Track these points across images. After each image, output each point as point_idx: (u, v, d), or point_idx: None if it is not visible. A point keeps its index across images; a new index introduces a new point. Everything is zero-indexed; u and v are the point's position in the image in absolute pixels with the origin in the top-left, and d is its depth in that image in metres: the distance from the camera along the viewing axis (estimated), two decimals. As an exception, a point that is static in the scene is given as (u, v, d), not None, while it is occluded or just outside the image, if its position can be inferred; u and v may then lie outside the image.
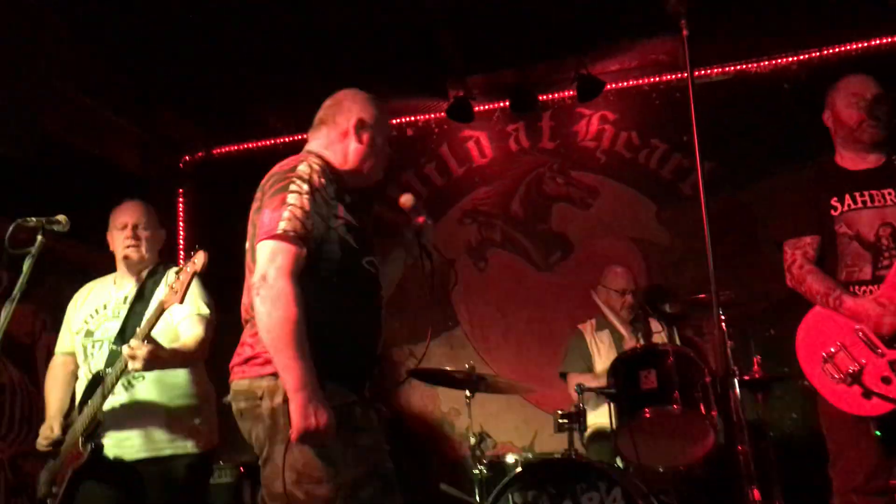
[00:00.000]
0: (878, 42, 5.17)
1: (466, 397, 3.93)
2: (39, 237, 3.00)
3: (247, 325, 2.32)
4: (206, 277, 3.06)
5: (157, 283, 3.27)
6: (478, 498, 3.76)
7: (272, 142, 6.28)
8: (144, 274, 3.36)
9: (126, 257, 3.34)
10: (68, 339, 3.39)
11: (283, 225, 2.15)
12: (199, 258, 2.85)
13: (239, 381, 2.26)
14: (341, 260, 2.28)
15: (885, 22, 5.05)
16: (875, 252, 2.93)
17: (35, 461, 4.62)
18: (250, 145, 6.35)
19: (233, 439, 3.45)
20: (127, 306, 3.26)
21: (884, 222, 2.95)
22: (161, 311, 2.90)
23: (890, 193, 2.97)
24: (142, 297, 3.25)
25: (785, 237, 3.13)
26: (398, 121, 6.02)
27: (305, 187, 2.22)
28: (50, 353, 4.88)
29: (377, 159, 2.56)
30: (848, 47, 5.23)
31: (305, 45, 4.98)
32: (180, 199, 6.36)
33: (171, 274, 3.05)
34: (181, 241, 6.22)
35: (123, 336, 3.11)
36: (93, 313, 3.34)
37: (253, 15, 4.63)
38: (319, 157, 2.41)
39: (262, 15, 4.64)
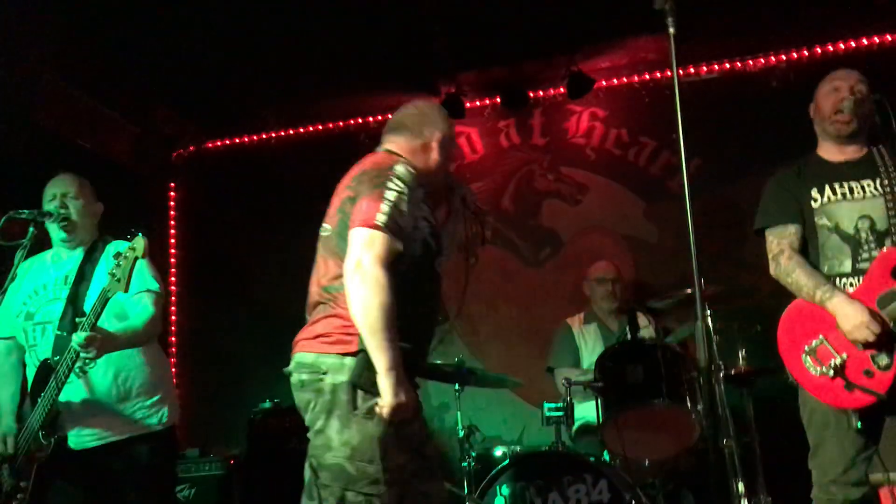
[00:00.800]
0: (865, 42, 5.22)
1: (456, 391, 3.97)
2: (31, 229, 3.03)
3: (318, 306, 2.47)
4: (197, 267, 3.04)
5: (97, 260, 3.16)
6: (466, 490, 3.80)
7: (264, 136, 6.29)
8: (81, 251, 3.24)
9: (58, 230, 3.20)
10: (7, 322, 3.24)
11: (381, 217, 2.29)
12: (138, 243, 2.82)
13: (304, 354, 2.41)
14: (420, 259, 2.45)
15: (873, 22, 5.10)
16: (854, 245, 2.93)
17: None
18: (242, 139, 6.36)
19: (224, 433, 3.48)
20: (68, 287, 3.15)
21: (862, 215, 2.94)
22: (105, 300, 2.83)
23: (869, 185, 2.96)
24: (83, 276, 3.15)
25: (771, 224, 3.11)
26: (389, 116, 6.01)
27: (403, 186, 2.38)
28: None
29: (448, 169, 2.80)
30: (836, 46, 5.27)
31: (297, 41, 4.99)
32: (172, 193, 6.37)
33: (109, 256, 2.95)
34: (172, 235, 6.23)
35: (66, 319, 3.02)
36: (32, 294, 3.21)
37: (245, 10, 4.64)
38: (409, 161, 2.56)
39: (254, 10, 4.65)
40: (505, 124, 5.89)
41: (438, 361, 4.01)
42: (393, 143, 2.68)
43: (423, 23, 4.85)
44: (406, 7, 4.69)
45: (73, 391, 3.06)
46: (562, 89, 5.60)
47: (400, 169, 2.43)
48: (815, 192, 3.02)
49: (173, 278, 6.04)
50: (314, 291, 2.51)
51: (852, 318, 2.77)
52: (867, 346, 2.78)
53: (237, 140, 6.37)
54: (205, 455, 4.88)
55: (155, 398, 3.18)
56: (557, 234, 5.65)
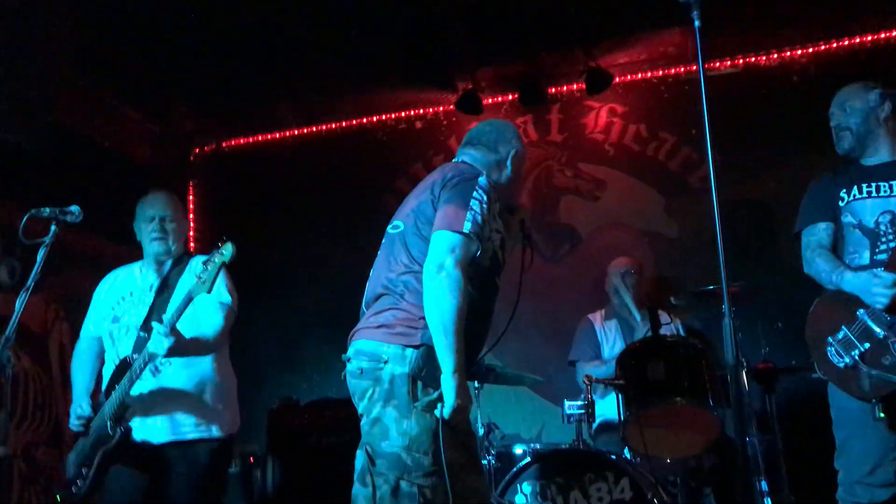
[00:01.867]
0: (886, 35, 5.15)
1: (476, 388, 3.96)
2: (53, 227, 3.04)
3: (382, 298, 2.55)
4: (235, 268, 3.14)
5: (181, 273, 3.36)
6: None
7: (281, 135, 6.32)
8: (169, 263, 3.44)
9: (153, 249, 3.42)
10: (94, 323, 3.46)
11: (468, 225, 2.40)
12: (227, 249, 2.95)
13: (366, 342, 2.48)
14: (488, 268, 2.55)
15: (892, 17, 5.03)
16: (873, 237, 3.02)
17: (48, 450, 4.69)
18: (260, 138, 6.38)
19: (242, 430, 3.50)
20: (153, 294, 3.35)
21: (885, 210, 3.03)
22: (189, 300, 2.98)
23: None
24: (167, 286, 3.35)
25: (804, 226, 3.24)
26: (407, 113, 6.04)
27: (486, 198, 2.49)
28: (62, 343, 4.94)
29: (518, 186, 2.95)
30: (857, 40, 5.21)
31: (314, 39, 5.00)
32: (191, 191, 6.40)
33: (198, 263, 3.10)
34: (192, 233, 6.25)
35: (149, 323, 3.18)
36: (119, 300, 3.42)
37: (263, 8, 4.65)
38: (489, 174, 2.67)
39: (272, 8, 4.66)
40: (523, 120, 5.86)
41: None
42: (469, 155, 2.80)
43: (441, 19, 4.83)
44: (423, 3, 4.68)
45: (146, 387, 3.21)
46: (580, 85, 5.59)
47: (482, 181, 2.53)
48: (843, 193, 3.13)
49: (192, 276, 6.05)
50: (378, 283, 2.58)
51: (870, 284, 2.87)
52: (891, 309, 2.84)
53: (256, 138, 6.39)
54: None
55: (220, 406, 3.33)
56: (576, 230, 5.62)
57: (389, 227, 2.69)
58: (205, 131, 6.33)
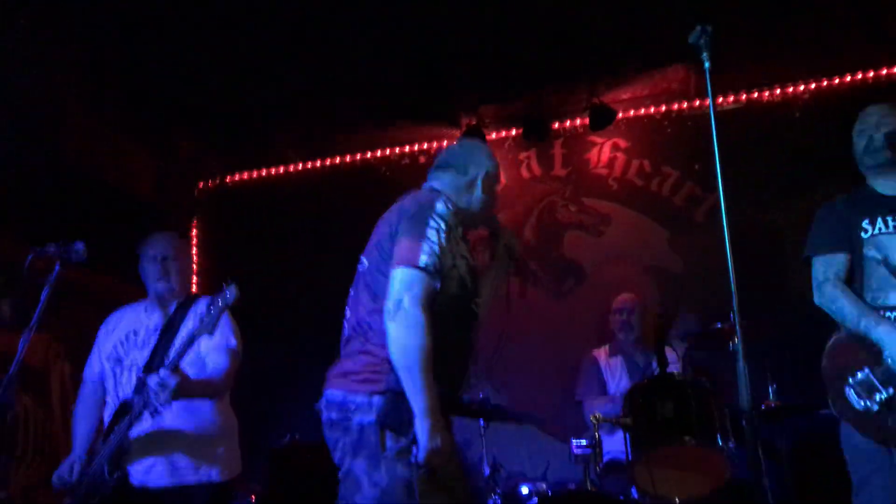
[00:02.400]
0: (886, 71, 5.19)
1: (481, 428, 3.91)
2: (57, 266, 3.03)
3: (350, 341, 2.45)
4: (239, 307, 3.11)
5: (185, 314, 3.33)
6: (493, 529, 3.73)
7: (285, 169, 6.33)
8: (175, 304, 3.42)
9: (157, 289, 3.41)
10: (98, 365, 3.44)
11: (423, 258, 2.30)
12: (231, 292, 2.92)
13: (334, 392, 2.38)
14: (456, 297, 2.42)
15: (893, 52, 5.07)
16: None
17: (47, 491, 4.61)
18: (264, 172, 6.40)
19: (245, 468, 3.46)
20: (157, 335, 3.32)
21: None
22: (191, 341, 2.95)
23: None
24: (171, 327, 3.31)
25: (818, 253, 3.07)
26: (411, 148, 6.06)
27: (443, 225, 2.38)
28: (63, 382, 4.89)
29: (492, 207, 2.79)
30: (859, 76, 5.25)
31: (319, 74, 5.03)
32: (194, 226, 6.40)
33: (201, 305, 3.09)
34: (195, 268, 6.23)
35: (152, 365, 3.16)
36: (123, 340, 3.40)
37: (267, 44, 4.69)
38: (449, 198, 2.55)
39: (278, 44, 4.70)
40: (526, 156, 5.88)
41: (462, 397, 3.96)
42: (438, 180, 2.70)
43: (445, 55, 4.87)
44: (427, 39, 4.71)
45: (145, 430, 3.15)
46: (583, 120, 5.62)
47: (440, 207, 2.43)
48: (866, 223, 2.98)
49: (195, 311, 6.03)
50: (348, 325, 2.50)
51: None
52: None
53: (260, 172, 6.41)
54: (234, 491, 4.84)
55: (221, 449, 3.28)
56: (580, 265, 5.61)
57: (359, 264, 2.59)
58: (209, 167, 6.35)
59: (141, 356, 3.29)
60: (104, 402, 3.38)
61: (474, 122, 5.65)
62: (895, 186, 3.03)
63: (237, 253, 6.21)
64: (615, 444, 4.06)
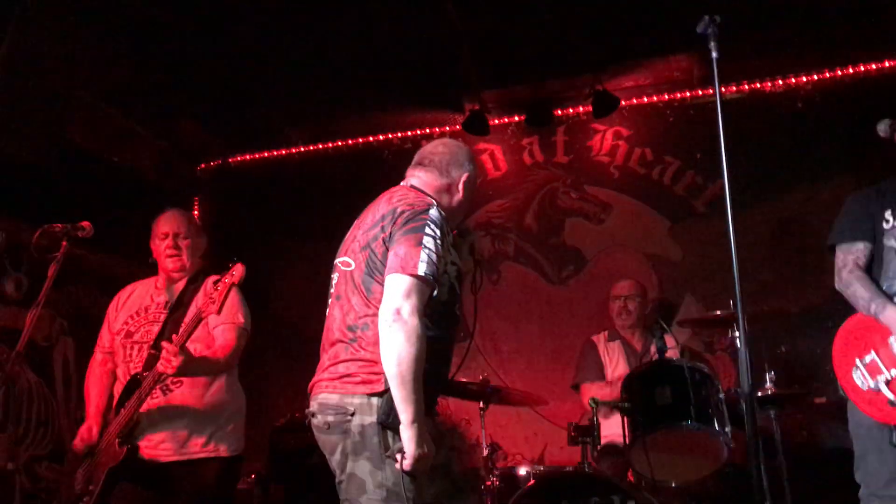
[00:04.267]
0: (889, 64, 5.20)
1: (480, 409, 3.95)
2: (64, 243, 3.05)
3: (339, 345, 2.42)
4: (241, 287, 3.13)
5: (196, 291, 3.35)
6: (490, 509, 3.77)
7: (287, 151, 6.35)
8: (185, 281, 3.44)
9: (167, 266, 3.44)
10: (108, 338, 3.47)
11: (423, 267, 2.28)
12: (238, 270, 2.97)
13: (329, 395, 2.37)
14: (446, 302, 2.43)
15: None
16: None
17: (50, 464, 4.67)
18: (266, 154, 6.41)
19: (245, 447, 3.50)
20: (166, 312, 3.36)
21: None
22: (199, 320, 3.00)
23: None
24: (181, 304, 3.35)
25: (840, 241, 3.16)
26: (413, 133, 6.08)
27: (438, 233, 2.37)
28: (66, 358, 4.93)
29: (468, 209, 2.83)
30: (861, 68, 5.26)
31: (322, 57, 5.04)
32: (196, 207, 6.42)
33: (209, 283, 3.11)
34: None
35: (160, 341, 3.17)
36: (133, 315, 3.43)
37: (270, 27, 4.69)
38: (438, 202, 2.55)
39: (281, 27, 4.70)
40: (528, 142, 5.90)
41: (462, 379, 4.00)
42: (418, 178, 2.67)
43: (449, 40, 4.87)
44: (432, 24, 4.72)
45: (156, 406, 3.20)
46: (586, 108, 5.63)
47: (433, 213, 2.41)
48: (888, 214, 3.06)
49: (196, 292, 6.06)
50: (335, 328, 2.46)
51: None
52: None
53: (262, 154, 6.43)
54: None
55: (231, 425, 3.32)
56: (581, 252, 5.64)
57: (339, 261, 2.56)
58: (211, 148, 6.36)
59: (150, 332, 3.33)
60: (114, 374, 3.41)
61: (477, 108, 5.66)
62: None
63: (238, 233, 6.23)
64: (613, 428, 4.11)
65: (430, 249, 2.31)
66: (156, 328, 3.33)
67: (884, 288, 3.02)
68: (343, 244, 2.61)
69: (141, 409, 3.13)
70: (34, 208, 4.29)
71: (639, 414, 3.49)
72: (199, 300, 3.22)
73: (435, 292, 2.34)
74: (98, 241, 3.40)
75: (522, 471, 4.03)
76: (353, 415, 2.29)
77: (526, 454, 5.28)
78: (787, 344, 4.81)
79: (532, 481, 3.61)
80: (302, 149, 6.31)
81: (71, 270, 3.44)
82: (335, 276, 2.56)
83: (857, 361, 2.96)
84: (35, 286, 3.10)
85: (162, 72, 5.09)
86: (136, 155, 5.84)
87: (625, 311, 4.66)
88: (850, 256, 3.11)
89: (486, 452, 3.91)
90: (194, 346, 3.11)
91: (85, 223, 3.18)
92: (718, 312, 3.72)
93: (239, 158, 6.47)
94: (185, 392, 3.24)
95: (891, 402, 2.83)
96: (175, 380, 3.19)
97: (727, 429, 3.39)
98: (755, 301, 4.63)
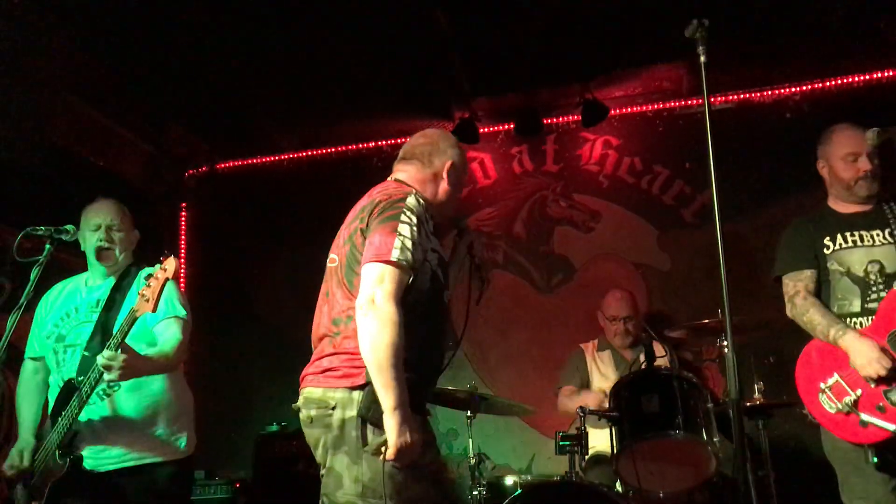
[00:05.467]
0: (878, 75, 5.24)
1: (468, 418, 3.92)
2: (48, 246, 3.01)
3: (325, 339, 2.41)
4: (207, 288, 3.05)
5: (129, 286, 3.18)
6: (477, 519, 3.74)
7: (275, 158, 6.31)
8: (117, 276, 3.27)
9: (99, 259, 3.26)
10: (38, 343, 3.28)
11: (395, 253, 2.27)
12: (170, 264, 2.83)
13: (312, 390, 2.36)
14: (429, 291, 2.40)
15: (884, 57, 5.11)
16: (864, 286, 3.09)
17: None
18: (254, 161, 6.38)
19: (231, 455, 3.45)
20: (99, 310, 3.17)
21: (871, 259, 3.10)
22: (133, 319, 2.84)
23: (878, 234, 3.14)
24: (114, 301, 3.17)
25: (787, 270, 3.27)
26: (403, 140, 6.01)
27: (414, 220, 2.35)
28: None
29: (458, 199, 2.75)
30: (849, 79, 5.29)
31: (311, 64, 5.02)
32: (183, 213, 6.37)
33: (141, 279, 2.95)
34: (183, 254, 6.22)
35: (95, 341, 3.03)
36: (63, 316, 3.25)
37: (260, 32, 4.67)
38: (418, 192, 2.52)
39: (269, 32, 4.68)
40: (518, 150, 5.90)
41: (450, 387, 3.98)
42: (403, 172, 2.66)
43: (439, 48, 4.86)
44: (422, 32, 4.71)
45: (96, 412, 3.05)
46: (576, 116, 5.63)
47: (410, 201, 2.40)
48: (827, 241, 3.20)
49: (182, 298, 6.01)
50: (322, 323, 2.46)
51: (865, 353, 2.89)
52: (879, 381, 2.88)
53: (250, 161, 6.39)
54: (211, 477, 4.83)
55: (176, 425, 3.19)
56: (570, 260, 5.63)
57: (328, 259, 2.56)
58: (199, 153, 6.32)
59: (83, 333, 3.15)
60: (47, 382, 3.24)
61: (467, 116, 5.66)
62: (852, 206, 3.25)
63: (225, 240, 6.20)
64: (601, 439, 4.08)
65: (405, 236, 2.29)
66: (88, 329, 3.14)
67: (836, 309, 3.13)
68: (333, 242, 2.60)
69: (80, 418, 2.96)
70: (17, 211, 4.24)
71: (627, 423, 3.47)
72: (132, 297, 3.03)
73: (412, 279, 2.31)
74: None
75: (510, 480, 4.00)
76: (334, 409, 2.28)
77: (514, 464, 5.25)
78: (774, 355, 4.81)
79: (518, 491, 3.58)
80: (291, 156, 6.28)
81: (54, 274, 3.38)
82: (325, 276, 2.56)
83: (822, 385, 3.01)
84: (17, 290, 3.04)
85: (150, 76, 5.06)
86: (123, 159, 5.80)
87: (624, 332, 4.61)
88: (799, 284, 3.20)
89: (473, 462, 3.89)
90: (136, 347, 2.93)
91: (68, 226, 3.15)
92: (706, 321, 3.72)
93: (227, 164, 6.43)
94: (127, 396, 3.08)
95: (862, 423, 2.85)
96: (114, 383, 2.99)
97: (716, 439, 3.38)
98: (743, 311, 4.64)
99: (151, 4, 4.33)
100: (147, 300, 2.80)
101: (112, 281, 3.27)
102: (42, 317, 3.31)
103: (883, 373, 2.84)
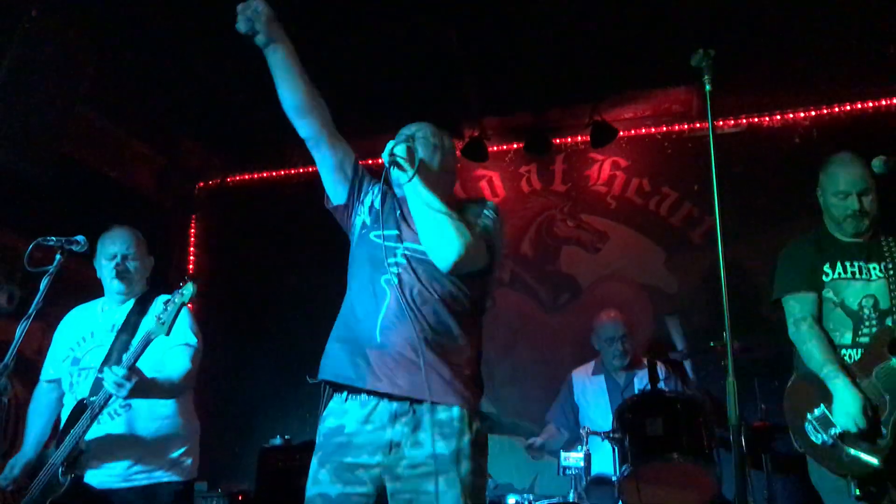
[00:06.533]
0: (887, 102, 5.25)
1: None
2: (58, 256, 3.04)
3: None
4: (214, 299, 3.06)
5: (144, 312, 3.22)
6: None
7: (286, 172, 6.35)
8: (132, 302, 3.33)
9: (114, 286, 3.32)
10: (54, 366, 3.34)
11: None
12: (188, 290, 2.87)
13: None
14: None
15: (894, 83, 5.13)
16: (857, 320, 3.05)
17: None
18: (265, 174, 6.42)
19: (233, 467, 3.46)
20: (113, 334, 3.23)
21: (867, 294, 3.07)
22: (147, 342, 2.88)
23: (875, 268, 3.10)
24: (129, 326, 3.22)
25: (793, 291, 3.20)
26: (412, 157, 6.07)
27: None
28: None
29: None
30: (858, 106, 5.30)
31: (325, 81, 5.03)
32: (193, 225, 6.41)
33: (158, 304, 3.01)
34: (191, 267, 6.25)
35: (109, 365, 3.02)
36: (80, 340, 3.31)
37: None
38: None
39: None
40: (526, 169, 5.92)
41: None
42: None
43: (451, 67, 4.90)
44: (434, 51, 4.75)
45: (103, 432, 3.08)
46: (585, 137, 5.65)
47: None
48: (827, 267, 3.15)
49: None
50: None
51: (847, 406, 2.86)
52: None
53: (261, 174, 6.44)
54: (213, 489, 4.84)
55: (182, 449, 3.22)
56: (576, 280, 5.64)
57: None
58: (210, 166, 6.37)
59: (98, 356, 3.19)
60: (60, 402, 3.27)
61: (477, 134, 5.69)
62: (849, 234, 3.19)
63: (235, 253, 6.23)
64: (603, 461, 4.08)
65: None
66: (103, 352, 3.19)
67: None
68: None
69: (87, 437, 2.98)
70: (30, 221, 4.28)
71: (630, 445, 3.47)
72: (147, 322, 3.06)
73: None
74: (93, 255, 3.38)
75: (511, 501, 3.99)
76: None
77: (517, 484, 5.22)
78: (779, 378, 4.79)
79: (521, 511, 3.58)
80: (301, 170, 6.30)
81: (64, 284, 3.41)
82: None
83: (809, 416, 2.99)
84: (28, 299, 3.07)
85: (163, 89, 5.12)
86: (135, 171, 5.85)
87: (622, 352, 4.57)
88: (806, 307, 3.14)
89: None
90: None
91: (80, 237, 3.17)
92: (712, 344, 3.71)
93: (238, 178, 6.48)
94: (135, 417, 3.12)
95: (846, 456, 2.83)
96: (123, 405, 3.06)
97: (718, 461, 3.38)
98: (748, 332, 4.62)
99: (165, 19, 4.38)
100: (162, 323, 2.85)
101: (129, 306, 3.32)
102: (59, 341, 3.37)
103: (854, 431, 2.84)
